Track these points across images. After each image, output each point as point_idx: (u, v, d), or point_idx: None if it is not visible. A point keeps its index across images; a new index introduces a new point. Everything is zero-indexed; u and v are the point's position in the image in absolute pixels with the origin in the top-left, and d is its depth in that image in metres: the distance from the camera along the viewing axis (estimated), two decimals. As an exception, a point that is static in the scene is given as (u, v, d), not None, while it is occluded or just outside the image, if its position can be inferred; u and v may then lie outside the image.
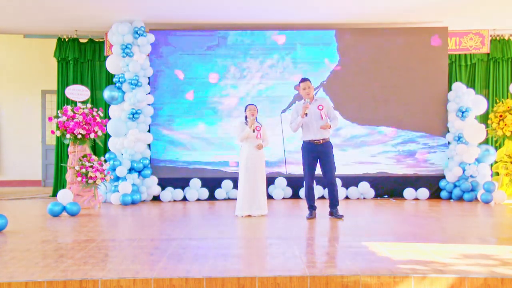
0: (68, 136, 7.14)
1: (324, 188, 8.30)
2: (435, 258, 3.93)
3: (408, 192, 8.41)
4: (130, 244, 4.66)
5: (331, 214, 6.20)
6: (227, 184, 8.43)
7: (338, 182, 6.31)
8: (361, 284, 3.43)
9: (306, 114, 6.01)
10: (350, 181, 8.46)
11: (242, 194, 6.43)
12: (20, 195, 9.14)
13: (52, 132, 7.54)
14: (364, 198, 8.49)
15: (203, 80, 8.62)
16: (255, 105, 6.60)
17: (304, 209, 6.82)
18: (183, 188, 8.48)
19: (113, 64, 8.36)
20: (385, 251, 4.22)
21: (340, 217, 6.08)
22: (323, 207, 6.83)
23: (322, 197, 8.24)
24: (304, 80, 6.25)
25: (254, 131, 6.40)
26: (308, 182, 6.21)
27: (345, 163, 8.47)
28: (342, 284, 3.43)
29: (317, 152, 6.11)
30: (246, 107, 6.60)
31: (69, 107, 7.27)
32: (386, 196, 8.53)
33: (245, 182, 6.42)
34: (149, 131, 8.49)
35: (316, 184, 8.24)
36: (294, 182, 8.52)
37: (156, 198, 8.37)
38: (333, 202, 6.15)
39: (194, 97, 8.61)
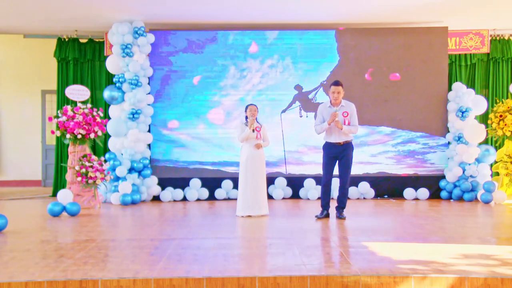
0: (68, 136, 7.14)
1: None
2: (435, 258, 3.93)
3: (408, 192, 8.41)
4: (130, 244, 4.66)
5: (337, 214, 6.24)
6: (227, 184, 8.43)
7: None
8: (361, 284, 3.43)
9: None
10: (350, 181, 8.43)
11: (243, 194, 6.43)
12: (20, 195, 9.14)
13: (52, 132, 7.55)
14: (364, 198, 8.49)
15: (203, 80, 8.61)
16: (255, 105, 6.58)
17: (304, 209, 6.84)
18: (183, 188, 8.48)
19: (113, 64, 8.36)
20: (385, 251, 4.22)
21: (342, 217, 6.11)
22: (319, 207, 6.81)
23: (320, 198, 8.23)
24: (336, 83, 6.14)
25: (253, 131, 6.40)
26: (323, 180, 6.23)
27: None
28: (342, 284, 3.43)
29: (336, 152, 6.12)
30: (246, 107, 6.58)
31: (69, 107, 7.27)
32: (386, 196, 8.53)
33: (245, 182, 6.42)
34: (149, 131, 8.48)
35: (317, 184, 8.29)
36: (294, 182, 8.52)
37: (156, 198, 8.37)
38: (340, 205, 6.20)
39: (194, 97, 8.61)
